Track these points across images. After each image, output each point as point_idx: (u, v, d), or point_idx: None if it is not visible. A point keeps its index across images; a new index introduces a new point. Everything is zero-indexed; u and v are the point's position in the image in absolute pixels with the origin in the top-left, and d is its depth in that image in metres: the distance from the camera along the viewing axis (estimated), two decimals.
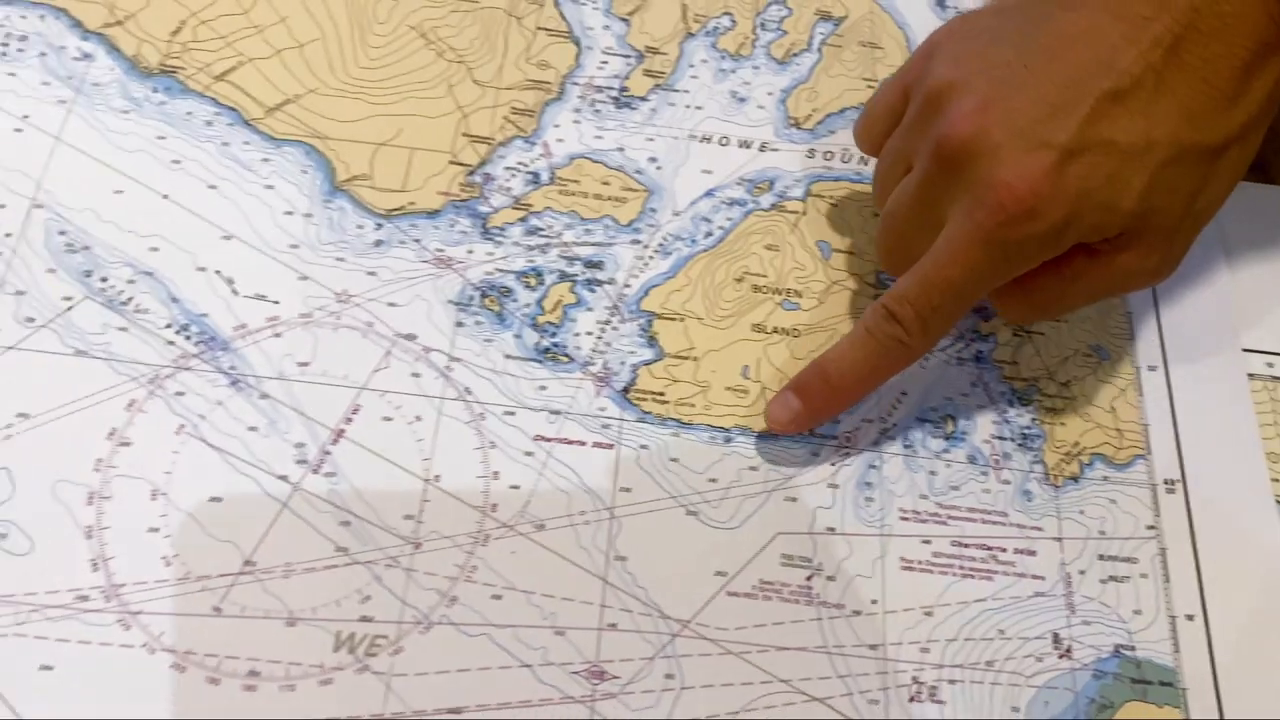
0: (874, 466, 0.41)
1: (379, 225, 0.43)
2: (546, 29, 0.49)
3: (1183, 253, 0.38)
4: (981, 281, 0.36)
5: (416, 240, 0.43)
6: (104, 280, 0.40)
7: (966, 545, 0.40)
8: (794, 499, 0.40)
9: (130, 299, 0.40)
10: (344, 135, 0.45)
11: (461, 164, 0.45)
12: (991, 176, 0.34)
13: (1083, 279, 0.38)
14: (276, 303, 0.41)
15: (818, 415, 0.40)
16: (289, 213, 0.43)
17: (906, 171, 0.39)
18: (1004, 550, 0.40)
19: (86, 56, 0.45)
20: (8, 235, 0.40)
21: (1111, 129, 0.34)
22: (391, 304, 0.41)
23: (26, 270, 0.40)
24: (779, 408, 0.39)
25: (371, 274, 0.42)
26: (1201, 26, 0.33)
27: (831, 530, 0.39)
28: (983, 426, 0.42)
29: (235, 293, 0.41)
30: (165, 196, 0.42)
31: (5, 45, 0.44)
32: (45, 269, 0.40)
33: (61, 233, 0.41)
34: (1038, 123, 0.34)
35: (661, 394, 0.41)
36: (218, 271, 0.41)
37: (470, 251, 0.43)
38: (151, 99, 0.44)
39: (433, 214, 0.43)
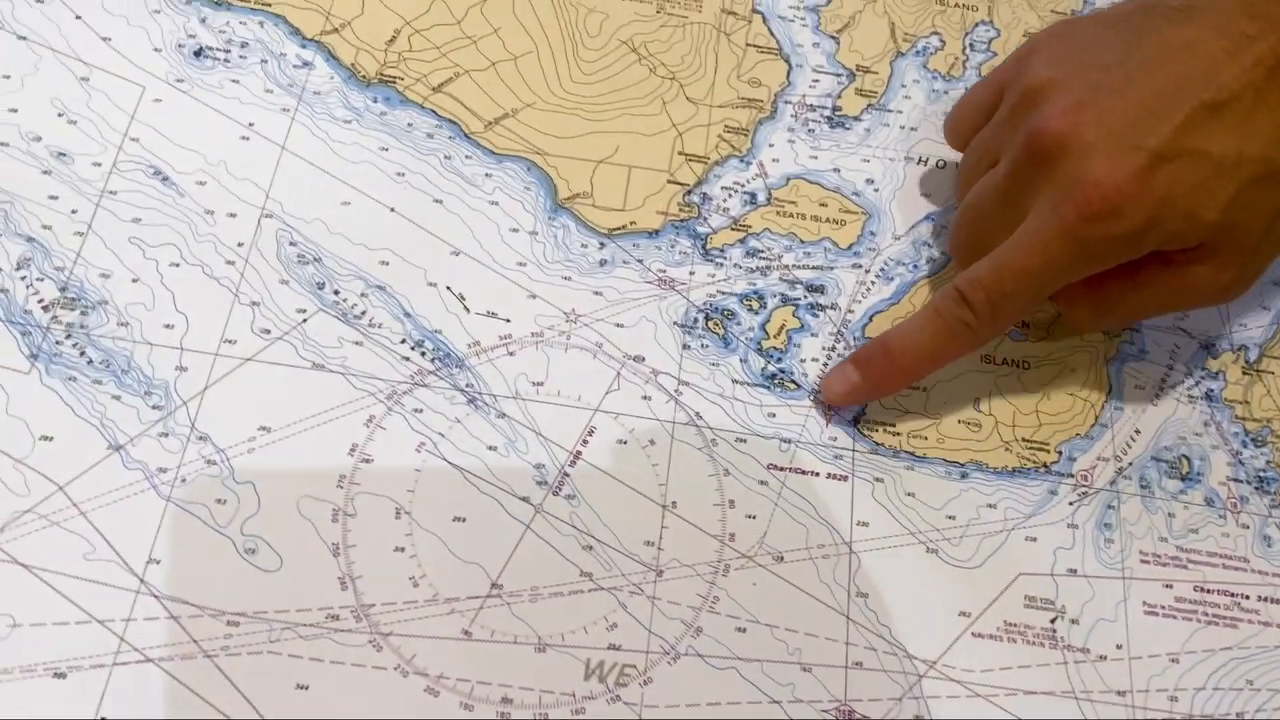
0: (1112, 507, 0.40)
1: (602, 244, 0.42)
2: (756, 45, 0.48)
3: (1256, 274, 0.38)
4: (1057, 275, 0.36)
5: (639, 260, 0.42)
6: (336, 293, 0.40)
7: (1209, 591, 0.39)
8: (1034, 539, 0.39)
9: (364, 313, 0.40)
10: (563, 151, 0.44)
11: (679, 183, 0.44)
12: (1081, 173, 0.35)
13: (1153, 286, 0.38)
14: (508, 320, 0.40)
15: (876, 390, 0.40)
16: (514, 229, 0.42)
17: (992, 165, 0.39)
18: (1247, 597, 0.39)
19: (306, 64, 0.44)
20: (240, 244, 0.40)
21: (1205, 139, 0.34)
22: (619, 324, 0.41)
23: (260, 281, 0.40)
24: (838, 379, 0.39)
25: (598, 294, 0.41)
26: None
27: (1073, 572, 0.38)
28: (1218, 468, 0.41)
29: (468, 309, 0.40)
30: (392, 210, 0.42)
31: (227, 51, 0.44)
32: (278, 280, 0.40)
33: (292, 244, 0.41)
34: (1132, 126, 0.35)
35: (893, 425, 0.40)
36: (449, 287, 0.41)
37: (692, 273, 0.42)
38: (372, 109, 0.44)
39: (653, 234, 0.43)
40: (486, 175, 0.43)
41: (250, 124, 0.43)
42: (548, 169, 0.44)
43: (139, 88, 0.43)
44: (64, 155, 0.41)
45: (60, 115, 0.42)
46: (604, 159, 0.44)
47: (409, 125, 0.44)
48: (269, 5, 0.45)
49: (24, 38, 0.43)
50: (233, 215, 0.41)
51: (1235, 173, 0.34)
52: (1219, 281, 0.37)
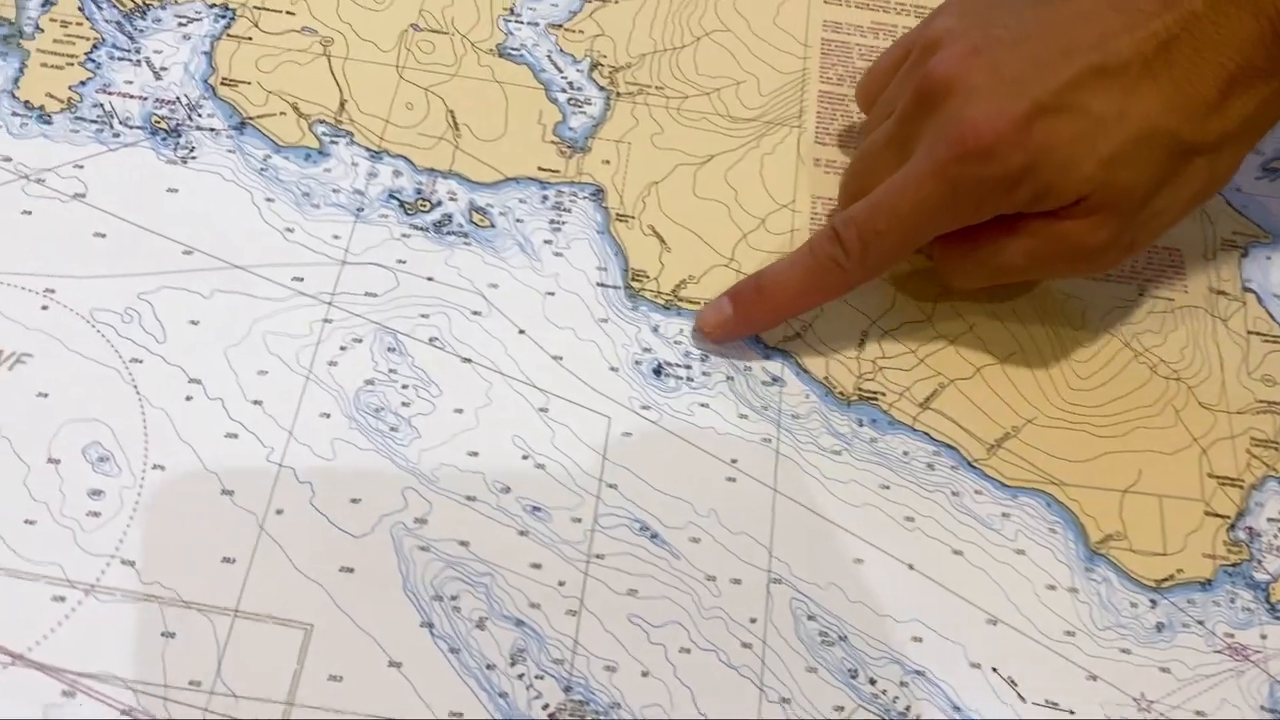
0: None
1: (1153, 602, 0.36)
2: (1258, 333, 0.42)
3: (1133, 245, 0.38)
4: (929, 217, 0.36)
5: (1200, 622, 0.36)
6: (873, 683, 0.34)
7: None
8: None
9: (908, 708, 0.34)
10: (1081, 479, 0.38)
11: (1217, 514, 0.38)
12: (960, 113, 0.35)
13: (1026, 237, 0.37)
14: (1071, 713, 0.34)
15: (747, 324, 0.39)
16: (1051, 586, 0.36)
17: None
18: None
19: (776, 380, 0.39)
20: (753, 620, 0.35)
21: (1089, 97, 0.35)
22: (1198, 712, 0.34)
23: (785, 669, 0.34)
24: (712, 311, 0.39)
25: (1164, 670, 0.35)
26: (1196, 32, 0.34)
27: None
28: None
29: (1022, 698, 0.34)
30: (910, 566, 0.36)
31: (688, 367, 0.39)
32: (804, 667, 0.34)
33: (810, 617, 0.35)
34: (1019, 76, 0.35)
35: None
36: (994, 669, 0.34)
37: (1264, 636, 0.36)
38: (859, 435, 0.38)
39: (1206, 585, 0.37)
40: (1003, 515, 0.37)
41: (733, 460, 0.37)
42: (1069, 503, 0.38)
43: (604, 418, 0.38)
44: (539, 510, 0.36)
45: (525, 457, 0.37)
46: (1128, 487, 0.38)
47: (904, 454, 0.38)
48: None
49: (468, 359, 0.38)
50: (737, 581, 0.35)
51: (1117, 129, 0.34)
52: (1093, 240, 0.36)
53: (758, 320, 0.39)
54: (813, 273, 0.38)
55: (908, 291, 0.41)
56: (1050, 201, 0.36)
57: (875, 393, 0.39)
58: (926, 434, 0.38)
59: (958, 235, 0.38)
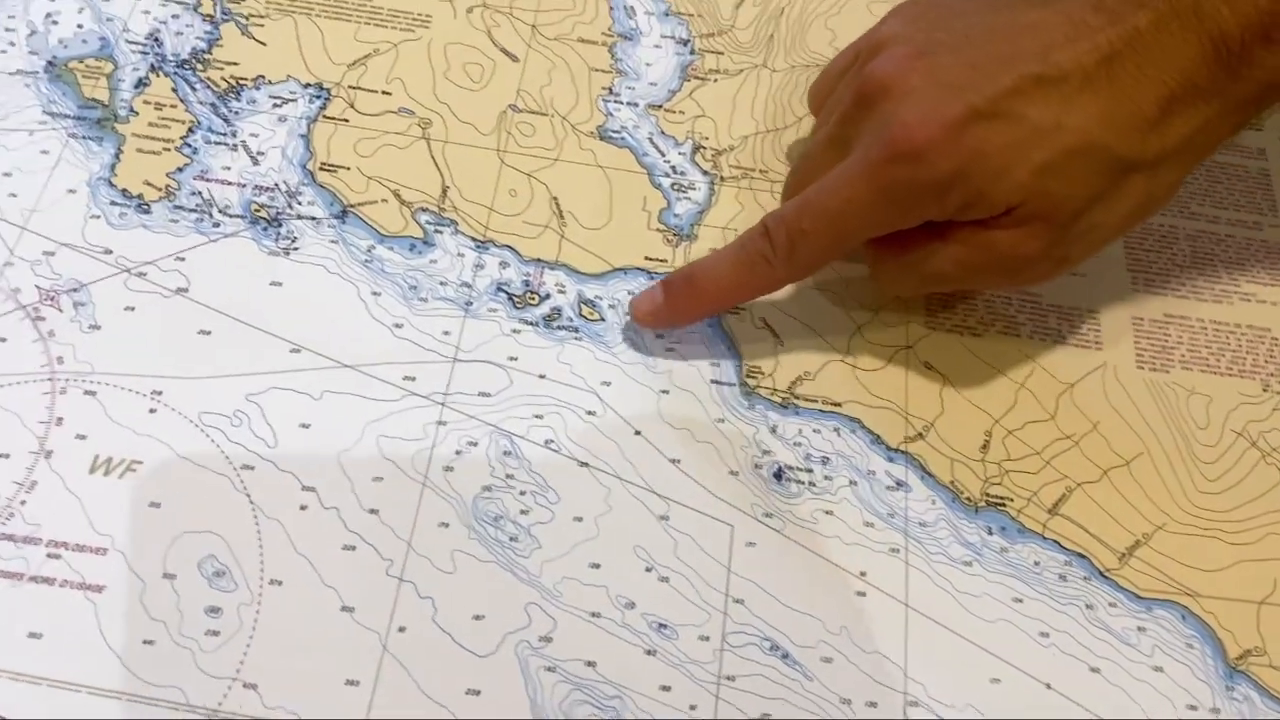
0: None
1: None
2: None
3: (1065, 260, 0.37)
4: (858, 218, 0.36)
5: None
6: None
7: None
8: None
9: None
10: (1215, 590, 0.37)
11: None
12: (894, 115, 0.35)
13: (957, 245, 0.37)
14: None
15: (676, 314, 0.40)
16: (1192, 706, 0.35)
17: None
18: None
19: (900, 484, 0.38)
20: None
21: (1026, 105, 0.34)
22: None
23: None
24: (645, 299, 0.40)
25: None
26: (1140, 48, 0.34)
27: None
28: None
29: None
30: (1048, 686, 0.35)
31: (809, 471, 0.38)
32: None
33: None
34: (958, 81, 0.35)
35: None
36: None
37: None
38: (989, 544, 0.37)
39: None
40: (1139, 629, 0.36)
41: (862, 573, 0.36)
42: (1205, 616, 0.37)
43: (727, 526, 0.37)
44: (665, 627, 0.35)
45: (648, 570, 0.36)
46: (1265, 598, 0.37)
47: (1036, 564, 0.37)
48: (838, 406, 0.39)
49: (585, 464, 0.37)
50: (873, 704, 0.34)
51: (1052, 139, 0.34)
52: (1024, 251, 0.36)
53: (687, 311, 0.40)
54: (742, 267, 0.38)
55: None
56: (981, 209, 0.35)
57: (1002, 498, 0.38)
58: (1056, 542, 0.37)
59: (890, 239, 0.37)
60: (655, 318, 0.39)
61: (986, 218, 0.36)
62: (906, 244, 0.37)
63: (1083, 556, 0.37)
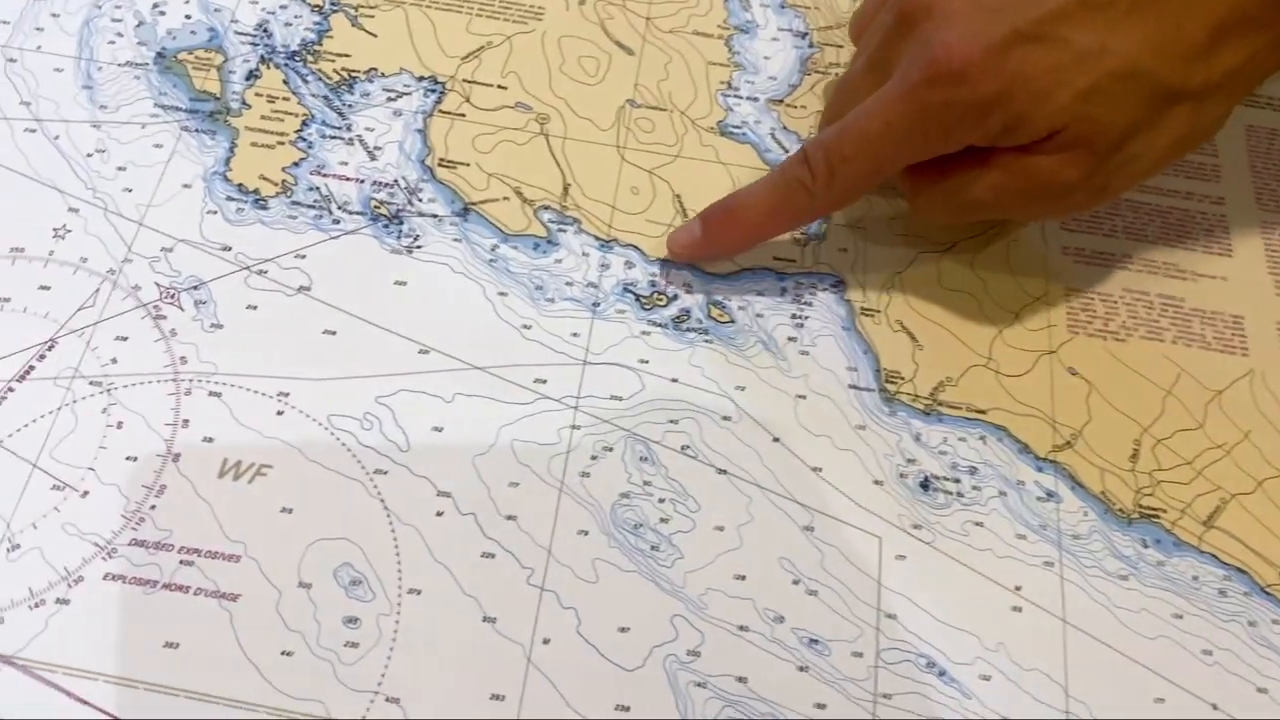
0: None
1: None
2: None
3: (1106, 189, 0.36)
4: (898, 143, 0.35)
5: None
6: None
7: None
8: None
9: None
10: None
11: None
12: (935, 36, 0.34)
13: (996, 171, 0.36)
14: None
15: (715, 245, 0.39)
16: None
17: None
18: None
19: (1051, 495, 0.37)
20: None
21: (1071, 28, 0.33)
22: None
23: None
24: (682, 232, 0.39)
25: None
26: None
27: None
28: None
29: None
30: (1214, 706, 0.33)
31: (957, 481, 0.37)
32: None
33: None
34: (1001, 4, 0.34)
35: None
36: None
37: None
38: (1144, 557, 0.36)
39: None
40: None
41: (1017, 588, 0.35)
42: None
43: (874, 539, 0.35)
44: (816, 642, 0.34)
45: (795, 582, 0.34)
46: None
47: (1194, 579, 0.36)
48: (983, 413, 0.38)
49: (724, 471, 0.36)
50: None
51: (1096, 63, 0.33)
52: (1063, 178, 0.35)
53: (727, 242, 0.39)
54: (780, 195, 0.38)
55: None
56: (1022, 134, 0.34)
57: (1156, 510, 0.37)
58: (1214, 556, 0.36)
59: (928, 167, 0.37)
60: (693, 250, 0.39)
61: (1027, 143, 0.35)
62: (945, 171, 0.37)
63: (1241, 571, 0.36)
